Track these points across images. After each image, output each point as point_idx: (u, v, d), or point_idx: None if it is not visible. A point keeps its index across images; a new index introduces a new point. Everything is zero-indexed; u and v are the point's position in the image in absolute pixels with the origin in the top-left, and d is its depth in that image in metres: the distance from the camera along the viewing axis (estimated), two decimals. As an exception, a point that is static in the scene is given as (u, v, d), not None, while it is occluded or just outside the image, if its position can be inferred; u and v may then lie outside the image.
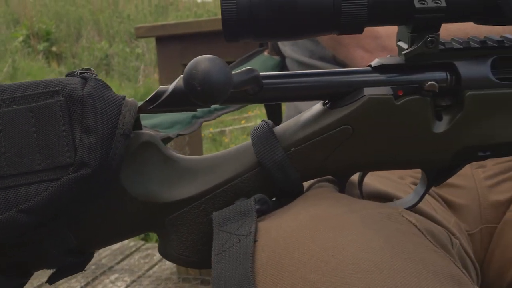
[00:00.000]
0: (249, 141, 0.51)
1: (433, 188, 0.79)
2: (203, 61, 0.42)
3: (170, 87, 0.48)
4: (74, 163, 0.45)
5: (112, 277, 2.10)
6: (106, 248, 2.35)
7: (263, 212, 0.47)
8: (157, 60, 1.85)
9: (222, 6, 0.43)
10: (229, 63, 1.20)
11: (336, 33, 0.46)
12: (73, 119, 0.45)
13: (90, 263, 0.55)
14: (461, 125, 0.47)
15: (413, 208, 0.58)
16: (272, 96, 0.49)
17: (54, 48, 6.04)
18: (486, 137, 0.48)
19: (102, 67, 5.71)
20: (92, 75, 0.48)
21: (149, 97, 0.49)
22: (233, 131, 4.17)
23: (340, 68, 0.87)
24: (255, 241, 0.41)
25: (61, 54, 6.02)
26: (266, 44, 1.21)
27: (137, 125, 0.51)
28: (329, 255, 0.36)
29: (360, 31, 0.46)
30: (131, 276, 2.09)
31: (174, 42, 1.75)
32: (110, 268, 2.17)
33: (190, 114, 0.84)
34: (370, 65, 0.49)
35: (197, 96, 0.42)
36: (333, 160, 0.49)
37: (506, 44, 0.48)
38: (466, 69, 0.47)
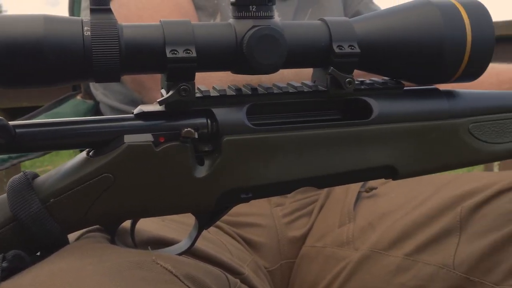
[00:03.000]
0: None
1: (232, 228, 0.81)
2: None
3: None
4: None
5: None
6: None
7: (16, 270, 0.44)
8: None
9: None
10: (40, 107, 1.15)
11: (91, 81, 0.46)
12: None
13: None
14: (221, 170, 0.49)
15: (194, 252, 0.59)
16: (29, 146, 0.47)
17: None
18: (245, 179, 0.50)
19: None
20: None
21: None
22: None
23: None
24: None
25: None
26: (79, 87, 1.18)
27: None
28: None
29: (117, 79, 0.46)
30: None
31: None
32: None
33: (-23, 163, 0.78)
34: (133, 112, 0.49)
35: None
36: (97, 209, 0.48)
37: (260, 92, 0.51)
38: (223, 115, 0.49)
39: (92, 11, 0.45)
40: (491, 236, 0.66)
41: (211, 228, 0.69)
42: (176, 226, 0.67)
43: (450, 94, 0.57)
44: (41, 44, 0.42)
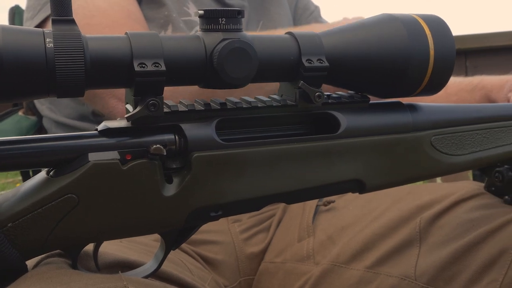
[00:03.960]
0: None
1: (190, 246, 0.79)
2: None
3: None
4: None
5: None
6: None
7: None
8: None
9: None
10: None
11: (53, 96, 0.43)
12: None
13: None
14: (190, 187, 0.47)
15: (158, 273, 0.57)
16: None
17: None
18: (216, 197, 0.49)
19: None
20: None
21: None
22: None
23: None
24: None
25: None
26: (21, 103, 1.12)
27: None
28: None
29: (81, 94, 0.43)
30: None
31: None
32: None
33: None
34: (96, 129, 0.47)
35: None
36: (59, 232, 0.45)
37: (228, 107, 0.50)
38: (192, 131, 0.48)
39: (54, 21, 0.42)
40: (451, 246, 0.67)
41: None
42: (135, 247, 0.64)
43: (412, 108, 0.58)
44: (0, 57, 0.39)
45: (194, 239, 0.80)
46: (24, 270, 0.45)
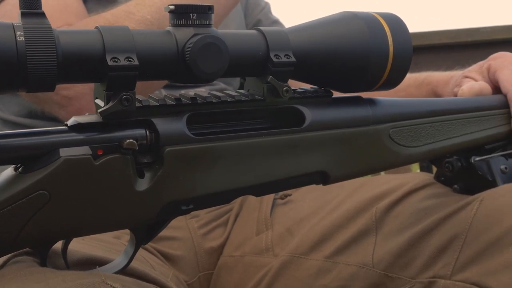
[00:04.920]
0: None
1: (150, 243, 0.78)
2: None
3: None
4: None
5: None
6: None
7: None
8: None
9: None
10: None
11: (23, 90, 0.42)
12: None
13: None
14: (162, 182, 0.48)
15: (125, 270, 0.56)
16: None
17: None
18: (188, 191, 0.49)
19: None
20: None
21: None
22: None
23: (52, 124, 0.82)
24: None
25: None
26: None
27: None
28: None
29: (51, 88, 0.43)
30: None
31: None
32: None
33: None
34: (66, 124, 0.46)
35: None
36: (30, 230, 0.44)
37: (198, 101, 0.50)
38: (163, 125, 0.48)
39: (23, 15, 0.41)
40: (405, 233, 0.70)
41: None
42: (98, 244, 0.63)
43: (372, 102, 0.60)
44: None
45: (153, 235, 0.80)
46: (-8, 270, 0.44)
